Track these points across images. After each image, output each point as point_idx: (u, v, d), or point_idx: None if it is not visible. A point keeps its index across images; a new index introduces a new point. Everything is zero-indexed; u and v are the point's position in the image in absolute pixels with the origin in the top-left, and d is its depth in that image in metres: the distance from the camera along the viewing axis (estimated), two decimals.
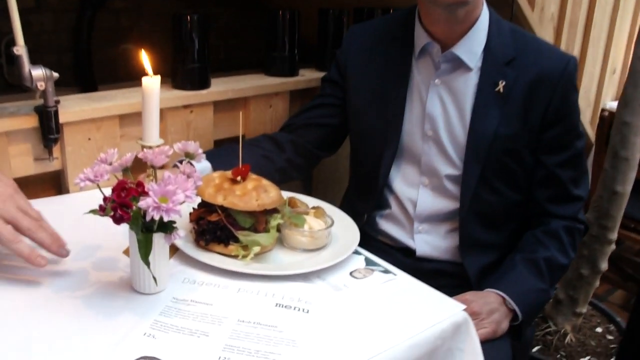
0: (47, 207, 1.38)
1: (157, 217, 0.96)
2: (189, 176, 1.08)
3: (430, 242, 1.51)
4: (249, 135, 1.78)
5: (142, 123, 1.12)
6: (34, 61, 1.53)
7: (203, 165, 1.44)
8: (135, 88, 1.60)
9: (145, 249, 1.01)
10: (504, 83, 1.38)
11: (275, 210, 1.24)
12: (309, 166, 1.72)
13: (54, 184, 1.51)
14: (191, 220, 1.24)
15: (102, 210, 1.00)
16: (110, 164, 1.06)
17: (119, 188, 0.99)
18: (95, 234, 1.24)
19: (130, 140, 1.54)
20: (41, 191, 1.49)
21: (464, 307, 1.10)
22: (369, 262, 1.26)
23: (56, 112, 1.35)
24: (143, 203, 0.96)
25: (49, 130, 1.35)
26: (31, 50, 1.86)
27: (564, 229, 1.45)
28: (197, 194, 1.20)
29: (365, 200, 1.59)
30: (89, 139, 1.46)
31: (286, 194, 1.42)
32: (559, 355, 1.99)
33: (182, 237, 1.04)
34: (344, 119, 1.63)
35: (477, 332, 1.26)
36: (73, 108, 1.42)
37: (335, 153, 1.73)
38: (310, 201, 1.42)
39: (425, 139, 1.47)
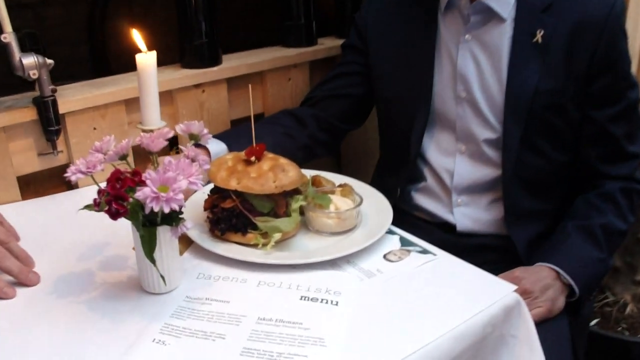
0: (54, 204, 1.31)
1: (156, 209, 0.84)
2: (193, 160, 0.96)
3: (472, 215, 1.37)
4: (268, 112, 1.66)
5: (140, 105, 1.01)
6: (53, 57, 1.45)
7: (219, 147, 1.33)
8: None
9: (149, 245, 0.90)
10: (542, 32, 1.23)
11: (296, 192, 1.12)
12: (335, 141, 1.59)
13: (63, 179, 1.41)
14: (205, 208, 1.12)
15: (96, 205, 0.89)
16: (106, 153, 0.96)
17: (113, 178, 0.88)
18: (104, 230, 1.14)
19: None
20: (51, 188, 1.39)
21: (515, 287, 0.97)
22: (404, 242, 1.13)
23: (54, 102, 1.25)
24: (140, 194, 0.85)
25: (48, 122, 1.26)
26: (44, 44, 1.78)
27: (620, 191, 1.30)
28: (210, 179, 1.10)
29: (397, 173, 1.46)
30: (95, 128, 1.36)
31: (309, 172, 1.30)
32: (620, 328, 1.83)
33: (190, 228, 0.93)
34: (369, 87, 1.49)
35: (531, 313, 1.13)
36: (74, 96, 1.31)
37: (363, 125, 1.59)
38: (337, 178, 1.30)
39: (459, 101, 1.33)
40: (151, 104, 1.01)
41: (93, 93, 1.32)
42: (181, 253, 1.09)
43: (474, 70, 1.30)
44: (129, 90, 1.38)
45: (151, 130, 1.02)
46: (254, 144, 1.10)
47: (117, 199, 0.86)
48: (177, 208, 0.86)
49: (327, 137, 1.53)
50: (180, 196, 0.86)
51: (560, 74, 1.23)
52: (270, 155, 1.13)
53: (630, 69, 1.28)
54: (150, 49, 1.05)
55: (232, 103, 1.59)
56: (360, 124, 1.59)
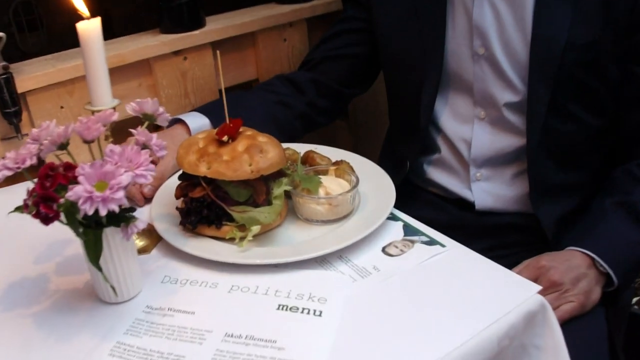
0: (20, 194, 1.17)
1: (90, 212, 0.69)
2: (144, 146, 0.81)
3: (492, 191, 1.19)
4: (262, 78, 1.48)
5: (87, 82, 0.86)
6: (50, 26, 1.31)
7: (200, 122, 1.18)
8: (116, 39, 1.34)
9: (94, 250, 0.76)
10: None
11: (280, 174, 0.96)
12: (338, 108, 1.42)
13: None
14: (177, 197, 0.97)
15: (26, 208, 0.74)
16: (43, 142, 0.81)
17: (42, 175, 0.73)
18: None
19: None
20: (19, 175, 1.26)
21: (539, 288, 0.80)
22: (408, 229, 0.96)
23: (8, 80, 1.10)
24: (71, 194, 0.70)
25: (4, 103, 1.11)
26: (44, 13, 1.62)
27: None
28: (177, 164, 0.95)
29: (407, 143, 1.29)
30: (62, 107, 1.21)
31: (303, 147, 1.14)
32: None
33: (141, 228, 0.78)
34: (373, 45, 1.31)
35: (560, 309, 0.97)
36: (34, 72, 1.17)
37: (370, 88, 1.42)
38: (335, 153, 1.13)
39: (476, 59, 1.14)
40: (99, 79, 0.85)
41: (56, 67, 1.17)
42: (149, 250, 0.96)
43: (492, 22, 1.10)
44: None
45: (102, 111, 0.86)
46: (228, 120, 0.94)
47: (45, 200, 0.71)
48: (115, 209, 0.70)
49: (329, 104, 1.36)
50: (120, 194, 0.70)
51: (597, 23, 1.03)
52: (249, 132, 0.96)
53: None
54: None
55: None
56: (366, 88, 1.42)
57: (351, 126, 1.83)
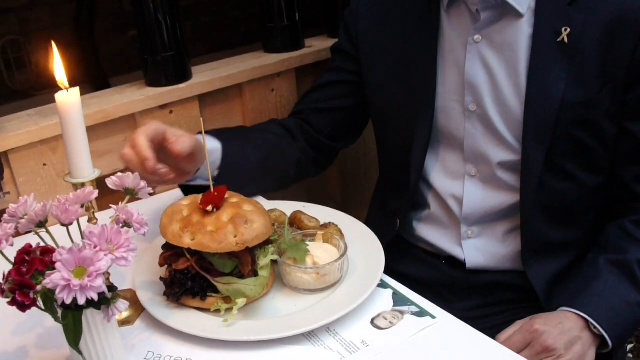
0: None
1: (68, 301, 0.67)
2: (125, 224, 0.78)
3: (484, 249, 1.17)
4: None
5: (66, 153, 0.84)
6: (38, 63, 1.27)
7: (211, 146, 1.13)
8: (99, 92, 1.32)
9: (74, 333, 0.74)
10: (568, 31, 1.01)
11: (266, 242, 0.94)
12: (326, 160, 1.40)
13: None
14: (161, 264, 0.95)
15: (1, 293, 0.72)
16: (22, 217, 0.78)
17: (19, 260, 0.71)
18: None
19: (101, 157, 1.26)
20: None
21: None
22: (398, 298, 0.94)
23: None
24: (48, 281, 0.67)
25: None
26: (31, 50, 1.59)
27: None
28: (161, 233, 0.92)
29: (397, 198, 1.26)
30: (45, 164, 1.19)
31: (290, 207, 1.12)
32: None
33: (122, 310, 0.76)
34: (362, 97, 1.29)
35: None
36: (16, 130, 1.14)
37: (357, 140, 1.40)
38: (323, 214, 1.12)
39: (468, 115, 1.12)
40: (79, 151, 0.83)
41: (39, 125, 1.15)
42: (132, 321, 0.93)
43: (485, 78, 1.09)
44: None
45: (82, 184, 0.84)
46: (212, 189, 0.92)
47: (22, 287, 0.69)
48: (94, 297, 0.68)
49: (317, 156, 1.34)
50: (99, 282, 0.68)
51: (593, 81, 1.01)
52: (234, 199, 0.94)
53: None
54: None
55: (209, 122, 1.40)
56: (353, 140, 1.40)
57: (339, 175, 1.80)
